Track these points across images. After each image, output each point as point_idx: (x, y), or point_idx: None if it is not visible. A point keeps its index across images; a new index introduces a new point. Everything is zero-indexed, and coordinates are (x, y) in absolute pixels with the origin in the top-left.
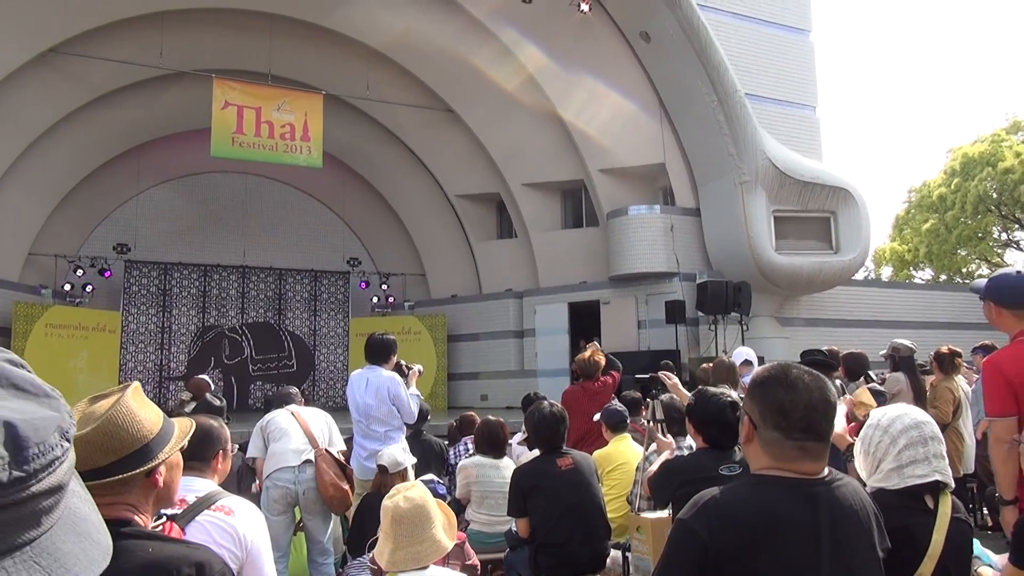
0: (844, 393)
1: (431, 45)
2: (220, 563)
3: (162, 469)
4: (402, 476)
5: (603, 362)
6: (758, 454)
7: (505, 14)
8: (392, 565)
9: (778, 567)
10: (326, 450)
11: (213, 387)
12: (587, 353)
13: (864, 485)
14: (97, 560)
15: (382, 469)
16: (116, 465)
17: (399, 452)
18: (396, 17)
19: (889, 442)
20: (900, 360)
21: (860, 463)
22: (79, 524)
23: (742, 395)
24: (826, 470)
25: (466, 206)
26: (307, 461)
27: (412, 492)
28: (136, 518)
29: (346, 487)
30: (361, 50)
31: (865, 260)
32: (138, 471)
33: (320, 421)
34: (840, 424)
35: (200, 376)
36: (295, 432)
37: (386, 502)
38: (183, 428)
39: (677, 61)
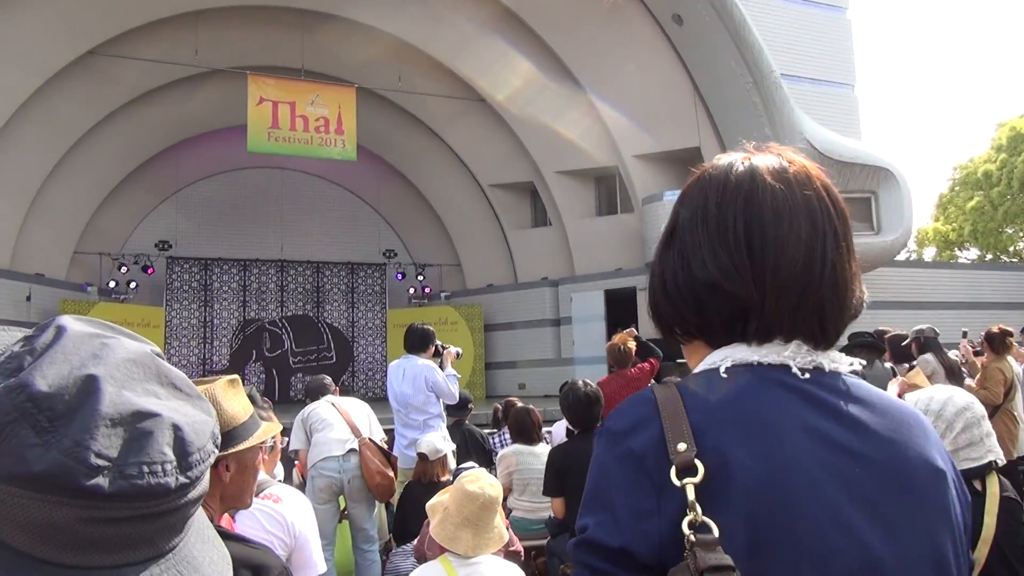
0: (895, 375)
1: (460, 35)
2: (280, 566)
3: (231, 465)
4: (442, 463)
5: (635, 349)
6: None
7: (535, 1)
8: (473, 550)
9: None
10: (369, 438)
11: (255, 382)
12: (616, 340)
13: None
14: (223, 568)
15: (422, 457)
16: None
17: (438, 439)
18: (425, 7)
19: (945, 426)
20: (925, 341)
21: None
22: (203, 529)
23: None
24: None
25: (500, 195)
26: (352, 450)
27: (492, 479)
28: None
29: (391, 474)
30: (392, 42)
31: (908, 241)
32: None
33: (361, 411)
34: None
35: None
36: (338, 422)
37: (473, 488)
38: (267, 430)
39: (710, 43)
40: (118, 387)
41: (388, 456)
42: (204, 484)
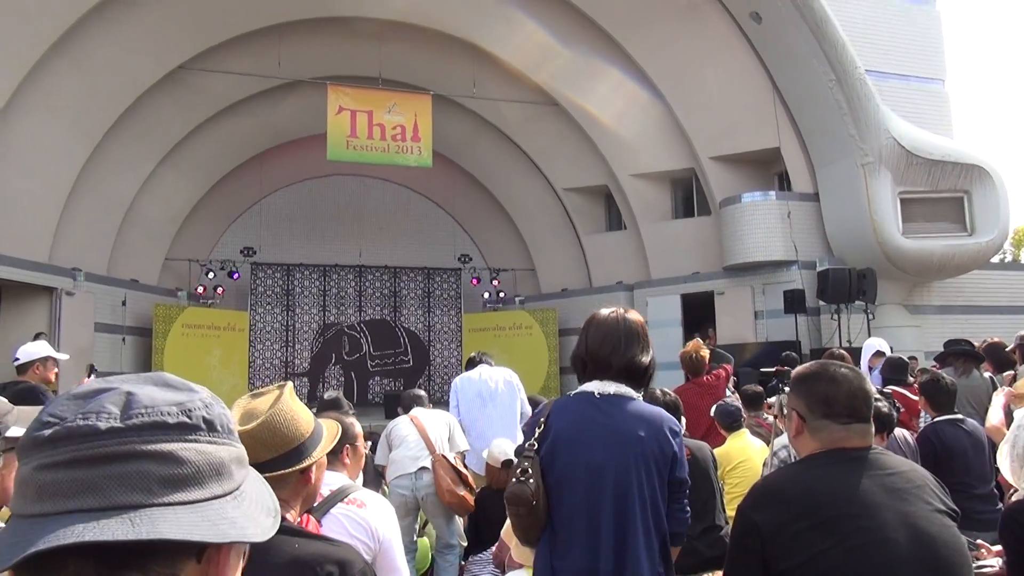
0: (995, 387)
1: (535, 41)
2: (361, 561)
3: (314, 468)
4: (507, 468)
5: (707, 356)
6: (808, 443)
7: (608, 2)
8: None
9: (824, 529)
10: (442, 455)
11: (335, 384)
12: (688, 348)
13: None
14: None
15: (490, 464)
16: (275, 461)
17: (508, 445)
18: (499, 14)
19: None
20: None
21: (1008, 465)
22: (197, 523)
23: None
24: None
25: (574, 199)
26: (423, 468)
27: None
28: (287, 514)
29: (462, 492)
30: (467, 49)
31: (1004, 242)
32: (295, 468)
33: (440, 424)
34: (997, 417)
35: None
36: (413, 439)
37: None
38: (331, 431)
39: (791, 40)
40: (111, 382)
41: (460, 474)
42: (169, 447)
